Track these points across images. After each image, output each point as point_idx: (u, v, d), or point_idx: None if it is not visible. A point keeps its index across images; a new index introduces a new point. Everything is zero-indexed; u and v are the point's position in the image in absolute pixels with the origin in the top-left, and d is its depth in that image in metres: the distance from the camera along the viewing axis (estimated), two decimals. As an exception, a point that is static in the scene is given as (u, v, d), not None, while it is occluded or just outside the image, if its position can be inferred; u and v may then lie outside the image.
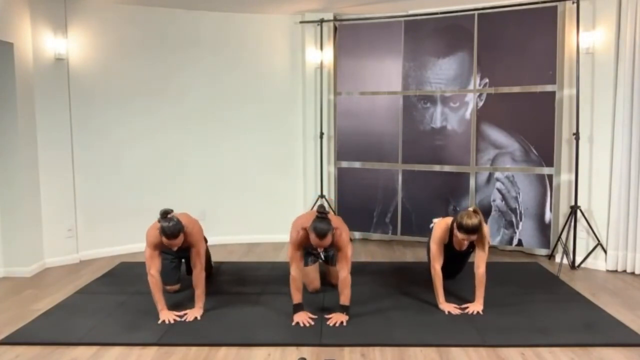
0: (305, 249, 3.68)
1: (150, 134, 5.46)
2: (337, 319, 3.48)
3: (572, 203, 4.75)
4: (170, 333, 3.34)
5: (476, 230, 3.52)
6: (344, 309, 3.54)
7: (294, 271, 3.54)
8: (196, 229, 3.74)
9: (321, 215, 3.46)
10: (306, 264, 3.97)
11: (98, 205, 5.24)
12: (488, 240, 3.76)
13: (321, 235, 3.36)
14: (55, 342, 3.23)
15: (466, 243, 3.67)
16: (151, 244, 3.58)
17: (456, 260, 3.96)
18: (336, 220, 3.67)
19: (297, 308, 3.55)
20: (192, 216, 3.88)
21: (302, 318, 3.49)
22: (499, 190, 5.14)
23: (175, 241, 3.46)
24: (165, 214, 3.49)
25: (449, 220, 3.85)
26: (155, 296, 3.57)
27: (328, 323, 3.46)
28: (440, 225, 3.83)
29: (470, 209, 3.62)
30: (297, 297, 3.56)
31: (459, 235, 3.58)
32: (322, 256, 4.05)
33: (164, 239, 3.44)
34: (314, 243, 3.43)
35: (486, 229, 3.78)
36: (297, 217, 3.91)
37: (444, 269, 3.73)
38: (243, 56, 5.67)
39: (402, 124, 5.50)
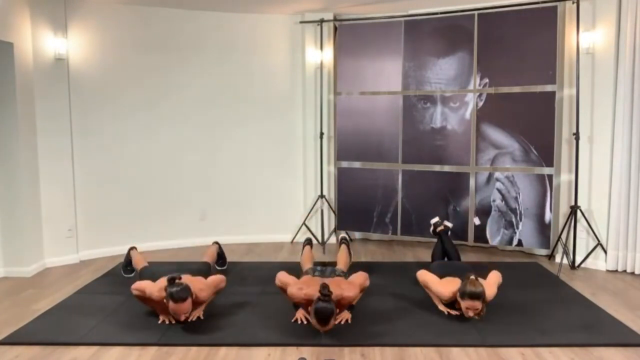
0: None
1: (149, 134, 5.46)
2: (342, 316, 3.49)
3: (572, 203, 4.75)
4: (170, 333, 3.34)
5: (480, 296, 3.40)
6: (349, 308, 3.56)
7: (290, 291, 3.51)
8: (207, 291, 3.55)
9: (324, 297, 3.18)
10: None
11: (98, 205, 5.24)
12: (494, 284, 3.64)
13: (323, 320, 3.15)
14: (55, 342, 3.23)
15: (471, 314, 3.44)
16: (144, 300, 3.50)
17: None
18: (338, 284, 3.48)
19: (298, 305, 3.56)
20: (203, 279, 3.65)
21: (303, 315, 3.50)
22: (499, 190, 5.14)
23: (183, 305, 3.27)
24: (172, 279, 3.33)
25: (456, 286, 3.59)
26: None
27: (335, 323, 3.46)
28: (449, 285, 3.63)
29: (472, 277, 3.49)
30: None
31: (463, 303, 3.45)
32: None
33: (171, 304, 3.27)
34: (315, 326, 3.23)
35: (492, 286, 3.63)
36: (295, 280, 3.64)
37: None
38: (243, 56, 5.67)
39: (402, 124, 5.50)
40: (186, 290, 3.31)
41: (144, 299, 3.53)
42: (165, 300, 3.34)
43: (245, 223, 5.83)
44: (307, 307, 3.40)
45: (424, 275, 3.76)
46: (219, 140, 5.70)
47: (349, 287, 3.49)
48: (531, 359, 3.00)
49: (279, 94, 5.78)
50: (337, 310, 3.31)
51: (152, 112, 5.45)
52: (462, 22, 5.20)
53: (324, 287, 3.21)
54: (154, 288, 3.45)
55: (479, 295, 3.38)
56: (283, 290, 3.58)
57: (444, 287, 3.62)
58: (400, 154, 5.51)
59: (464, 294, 3.42)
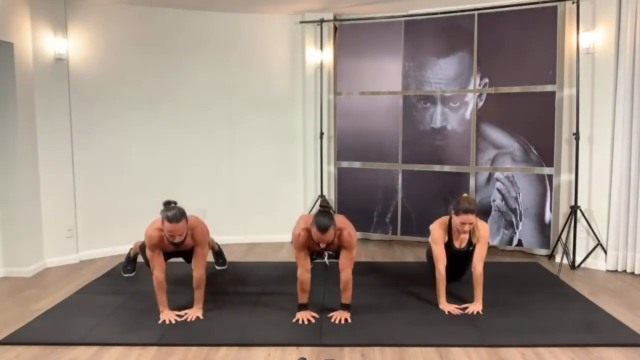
0: (310, 250, 3.67)
1: (150, 134, 5.45)
2: (339, 315, 3.51)
3: (572, 203, 4.75)
4: (170, 333, 3.35)
5: (474, 209, 3.64)
6: (345, 307, 3.56)
7: (300, 273, 3.54)
8: (201, 228, 3.71)
9: (323, 209, 3.45)
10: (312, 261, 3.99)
11: (98, 205, 5.24)
12: (486, 238, 3.78)
13: (323, 228, 3.34)
14: (55, 342, 3.23)
15: (467, 229, 3.68)
16: (150, 245, 3.57)
17: (458, 260, 3.95)
18: (342, 220, 3.67)
19: (301, 307, 3.57)
20: (200, 219, 3.83)
21: (304, 315, 3.51)
22: (499, 190, 5.14)
23: (178, 226, 3.41)
24: (168, 203, 3.51)
25: (444, 218, 3.89)
26: (158, 297, 3.57)
27: (332, 320, 3.48)
28: (437, 225, 3.86)
29: (465, 195, 3.82)
30: (302, 298, 3.58)
31: (458, 219, 3.66)
32: (327, 256, 4.04)
33: (166, 224, 3.41)
34: (316, 238, 3.40)
35: (484, 226, 3.82)
36: (299, 217, 3.88)
37: (447, 271, 3.74)
38: (243, 56, 5.67)
39: (402, 124, 5.50)
40: (181, 212, 3.46)
41: (150, 250, 3.58)
42: (162, 227, 3.46)
43: (245, 223, 5.83)
44: (308, 246, 3.56)
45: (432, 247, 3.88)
46: (218, 140, 5.70)
47: (348, 225, 3.61)
48: (531, 359, 3.00)
49: (279, 94, 5.78)
50: (338, 232, 3.47)
51: (152, 112, 5.45)
52: (462, 22, 5.20)
53: (323, 200, 3.49)
54: (151, 229, 3.59)
55: (472, 210, 3.63)
56: (296, 257, 3.60)
57: (436, 227, 3.82)
58: (400, 154, 5.51)
59: (458, 209, 3.65)
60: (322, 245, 3.48)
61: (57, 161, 4.94)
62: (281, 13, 5.63)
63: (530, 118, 4.96)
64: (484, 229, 3.79)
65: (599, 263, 4.71)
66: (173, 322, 3.49)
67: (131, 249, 4.54)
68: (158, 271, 3.54)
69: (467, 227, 3.68)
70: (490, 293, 3.78)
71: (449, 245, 3.85)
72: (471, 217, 3.64)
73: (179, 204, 3.60)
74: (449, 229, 3.85)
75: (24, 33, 4.60)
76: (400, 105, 5.50)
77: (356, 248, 3.62)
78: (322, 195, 5.71)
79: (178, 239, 3.49)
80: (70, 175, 5.06)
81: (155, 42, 5.40)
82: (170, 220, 3.41)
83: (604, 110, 4.62)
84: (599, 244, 4.69)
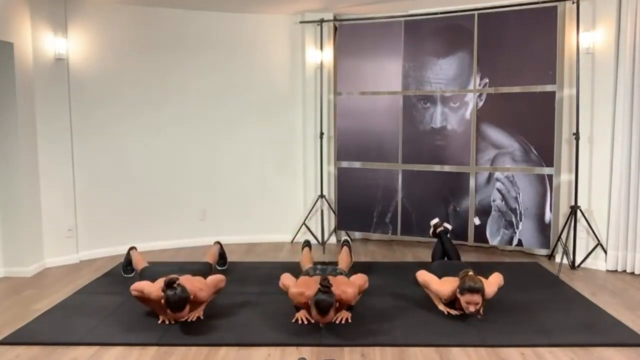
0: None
1: (150, 134, 5.46)
2: (340, 315, 3.50)
3: (572, 203, 4.75)
4: (170, 333, 3.34)
5: (479, 290, 3.39)
6: (348, 309, 3.56)
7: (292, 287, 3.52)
8: (207, 291, 3.55)
9: (324, 288, 3.25)
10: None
11: (98, 205, 5.24)
12: (494, 287, 3.61)
13: (323, 311, 3.20)
14: (55, 342, 3.23)
15: (472, 309, 3.41)
16: (143, 290, 3.48)
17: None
18: (342, 283, 3.51)
19: (299, 307, 3.56)
20: (202, 279, 3.65)
21: (303, 315, 3.50)
22: (499, 190, 5.14)
23: (181, 314, 3.33)
24: (170, 284, 3.30)
25: (457, 281, 3.58)
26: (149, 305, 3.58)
27: (334, 320, 3.47)
28: (449, 283, 3.62)
29: (470, 273, 3.51)
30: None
31: (463, 298, 3.42)
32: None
33: (169, 312, 3.31)
34: (315, 318, 3.30)
35: (491, 285, 3.61)
36: (296, 281, 3.63)
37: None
38: (243, 56, 5.67)
39: (402, 124, 5.50)
40: (183, 298, 3.28)
41: (143, 299, 3.53)
42: (163, 302, 3.35)
43: (245, 223, 5.83)
44: (309, 308, 3.42)
45: (423, 275, 3.76)
46: (219, 140, 5.70)
47: (349, 285, 3.51)
48: (531, 359, 3.00)
49: (279, 94, 5.78)
50: (337, 305, 3.35)
51: (152, 112, 5.45)
52: (462, 22, 5.20)
53: (324, 279, 3.29)
54: (153, 288, 3.46)
55: (478, 290, 3.39)
56: (286, 292, 3.58)
57: (444, 286, 3.62)
58: (400, 154, 5.51)
59: (463, 289, 3.43)
60: (322, 325, 3.36)
61: (57, 161, 4.94)
62: (281, 13, 5.63)
63: (530, 118, 4.96)
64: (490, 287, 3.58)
65: (599, 263, 4.71)
66: (172, 322, 3.49)
67: (130, 249, 4.52)
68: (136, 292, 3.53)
69: (472, 308, 3.41)
70: (490, 293, 3.78)
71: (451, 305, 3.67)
72: (477, 298, 3.38)
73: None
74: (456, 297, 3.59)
75: (24, 33, 4.60)
76: (400, 105, 5.50)
77: (358, 289, 3.54)
78: (322, 196, 5.70)
79: (181, 320, 3.45)
80: (70, 175, 5.06)
81: (155, 42, 5.41)
82: (172, 308, 3.27)
83: (604, 110, 4.62)
84: (599, 244, 4.69)
